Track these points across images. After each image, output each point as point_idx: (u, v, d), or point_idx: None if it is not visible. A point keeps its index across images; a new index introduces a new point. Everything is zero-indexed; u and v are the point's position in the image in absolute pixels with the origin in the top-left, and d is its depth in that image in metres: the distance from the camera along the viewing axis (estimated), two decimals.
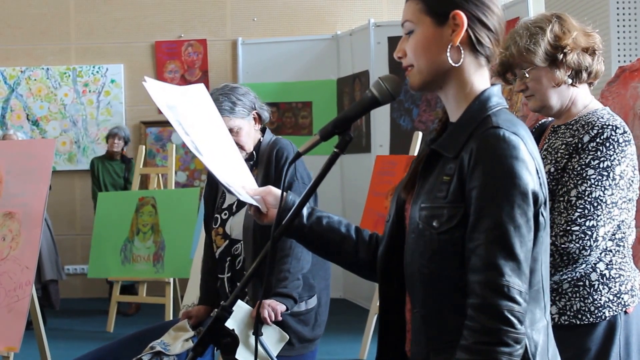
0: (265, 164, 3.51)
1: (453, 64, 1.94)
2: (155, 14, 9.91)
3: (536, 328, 1.90)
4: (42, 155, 5.19)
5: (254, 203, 2.28)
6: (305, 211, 2.20)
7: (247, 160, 3.47)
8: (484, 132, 1.87)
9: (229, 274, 3.53)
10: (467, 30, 1.94)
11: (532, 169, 1.84)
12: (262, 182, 3.37)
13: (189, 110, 2.49)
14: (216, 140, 2.54)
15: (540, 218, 1.88)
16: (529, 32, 2.68)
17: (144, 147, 8.33)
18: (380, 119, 8.41)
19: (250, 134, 3.57)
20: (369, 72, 8.64)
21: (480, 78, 1.98)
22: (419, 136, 6.93)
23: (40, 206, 5.04)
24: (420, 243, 1.91)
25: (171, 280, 7.70)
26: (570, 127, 2.69)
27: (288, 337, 3.36)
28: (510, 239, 1.80)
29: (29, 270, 4.92)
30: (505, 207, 1.80)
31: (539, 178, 1.87)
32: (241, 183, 2.35)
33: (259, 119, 3.62)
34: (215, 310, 3.21)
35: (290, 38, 9.57)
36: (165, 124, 9.57)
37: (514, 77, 2.75)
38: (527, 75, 2.69)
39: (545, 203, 1.89)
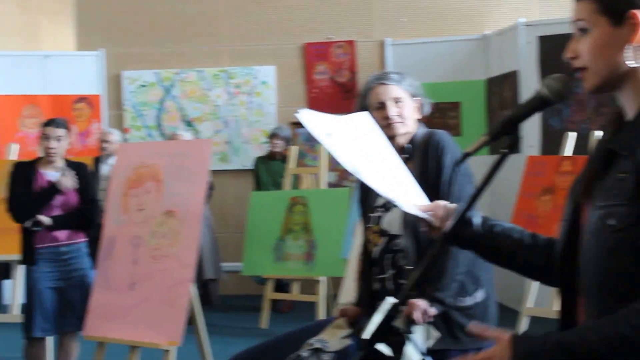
0: (421, 154, 3.50)
1: (631, 64, 1.91)
2: (304, 16, 10.05)
3: None
4: (199, 155, 5.34)
5: (421, 214, 2.31)
6: (477, 219, 2.21)
7: (400, 152, 3.44)
8: None
9: (393, 271, 3.54)
10: None
11: None
12: (419, 171, 3.37)
13: (348, 135, 2.55)
14: (382, 161, 2.59)
15: None
16: None
17: (295, 147, 8.48)
18: (531, 119, 8.26)
19: (411, 115, 3.57)
20: (518, 72, 8.53)
21: None
22: (570, 137, 6.80)
23: (198, 205, 5.20)
24: (596, 242, 1.88)
25: (323, 278, 7.81)
26: None
27: (439, 334, 3.35)
28: None
29: (188, 267, 5.08)
30: None
31: None
32: (408, 199, 2.38)
33: (420, 108, 3.63)
34: (382, 308, 3.20)
35: (439, 38, 9.54)
36: None
37: None
38: None
39: None
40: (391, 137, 3.38)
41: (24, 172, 5.53)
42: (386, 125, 3.44)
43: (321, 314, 7.62)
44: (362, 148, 2.56)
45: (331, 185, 9.01)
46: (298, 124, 9.83)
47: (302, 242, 7.79)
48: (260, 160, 9.18)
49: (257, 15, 10.11)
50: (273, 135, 9.13)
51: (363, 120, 2.71)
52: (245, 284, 9.30)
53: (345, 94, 9.84)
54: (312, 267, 7.69)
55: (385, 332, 2.08)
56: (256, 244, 7.98)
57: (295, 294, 8.38)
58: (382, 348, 2.19)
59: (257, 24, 10.10)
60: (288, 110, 9.89)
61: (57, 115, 7.52)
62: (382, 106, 3.51)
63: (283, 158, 8.82)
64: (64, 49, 13.47)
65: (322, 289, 7.81)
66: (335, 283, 8.01)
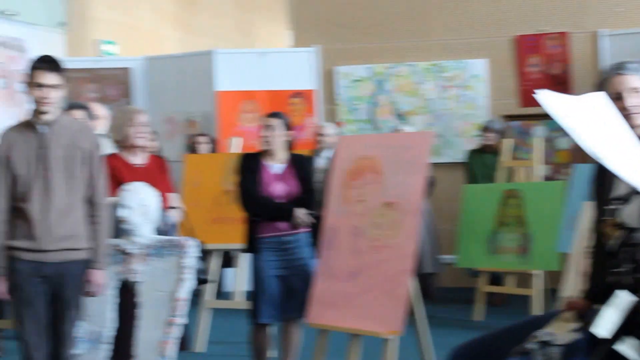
0: None
1: None
2: (515, 8, 9.95)
3: None
4: (420, 147, 5.40)
5: None
6: None
7: None
8: None
9: (632, 265, 3.47)
10: None
11: None
12: None
13: (587, 116, 2.52)
14: (622, 145, 2.54)
15: None
16: None
17: (508, 140, 8.43)
18: None
19: None
20: None
21: None
22: None
23: (418, 196, 5.25)
24: None
25: (539, 272, 7.74)
26: None
27: None
28: None
29: (408, 258, 5.14)
30: None
31: None
32: None
33: None
34: (616, 303, 3.14)
35: None
36: (528, 117, 9.58)
37: None
38: None
39: None
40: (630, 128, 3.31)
41: (249, 163, 5.74)
42: (624, 116, 3.37)
43: (536, 308, 7.54)
44: (601, 130, 2.52)
45: (546, 178, 8.87)
46: (511, 117, 9.74)
47: (517, 235, 7.74)
48: (473, 153, 9.17)
49: (468, 9, 10.08)
50: (486, 129, 9.10)
51: (600, 100, 2.65)
52: (459, 276, 9.31)
53: (558, 87, 9.65)
54: (527, 261, 7.63)
55: (628, 330, 2.05)
56: (470, 237, 8.00)
57: (509, 287, 8.33)
58: (625, 350, 2.16)
59: (468, 18, 10.08)
60: (500, 104, 9.83)
61: (274, 110, 7.76)
62: (619, 97, 3.44)
63: (496, 151, 8.76)
64: (277, 45, 13.87)
65: (538, 283, 7.74)
66: (551, 277, 7.91)
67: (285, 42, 13.51)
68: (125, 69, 10.35)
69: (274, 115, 5.82)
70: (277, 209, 5.65)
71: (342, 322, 5.33)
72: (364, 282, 5.29)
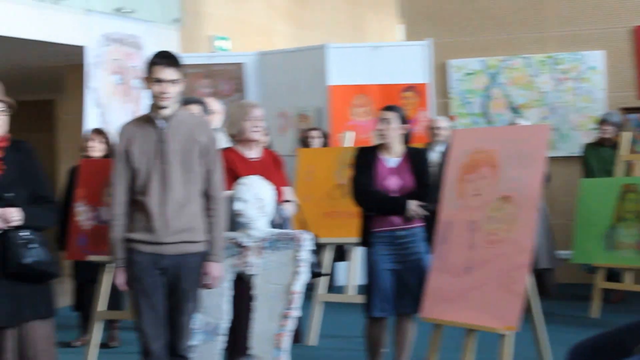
0: None
1: None
2: None
3: None
4: (537, 140, 5.31)
5: None
6: None
7: None
8: None
9: None
10: None
11: None
12: None
13: None
14: None
15: None
16: None
17: (627, 133, 8.22)
18: None
19: None
20: None
21: None
22: None
23: (535, 190, 5.16)
24: None
25: None
26: None
27: None
28: None
29: (525, 253, 5.06)
30: None
31: None
32: None
33: None
34: None
35: None
36: None
37: None
38: None
39: None
40: None
41: (365, 157, 5.74)
42: None
43: None
44: None
45: None
46: (629, 109, 9.51)
47: (635, 231, 7.55)
48: (590, 147, 8.99)
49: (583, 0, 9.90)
50: (603, 122, 8.91)
51: None
52: (575, 272, 9.14)
53: None
54: None
55: None
56: (586, 232, 7.84)
57: (627, 283, 8.13)
58: None
59: (583, 9, 9.88)
60: (618, 96, 9.61)
61: (386, 104, 7.74)
62: None
63: (613, 145, 8.56)
64: (388, 39, 13.85)
65: None
66: None
67: (397, 35, 13.47)
68: (238, 65, 10.46)
69: (390, 108, 5.80)
70: (390, 202, 5.63)
71: (457, 317, 5.28)
72: (480, 276, 5.23)
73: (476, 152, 5.50)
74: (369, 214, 5.71)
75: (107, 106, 9.68)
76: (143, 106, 9.73)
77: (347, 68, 9.91)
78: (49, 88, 13.14)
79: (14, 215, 4.32)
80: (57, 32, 9.26)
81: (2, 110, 4.42)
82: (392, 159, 5.70)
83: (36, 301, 4.44)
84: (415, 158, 5.73)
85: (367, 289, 5.74)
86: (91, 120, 9.26)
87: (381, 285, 5.64)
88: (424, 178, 5.70)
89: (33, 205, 4.45)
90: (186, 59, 4.75)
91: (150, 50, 5.17)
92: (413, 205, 5.59)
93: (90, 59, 9.48)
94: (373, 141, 6.73)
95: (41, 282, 4.46)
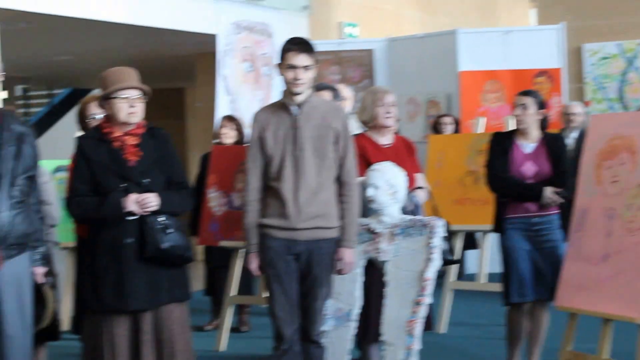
0: None
1: None
2: None
3: None
4: None
5: None
6: None
7: None
8: None
9: None
10: None
11: None
12: None
13: None
14: None
15: None
16: None
17: None
18: None
19: None
20: None
21: None
22: None
23: None
24: None
25: None
26: None
27: None
28: None
29: None
30: None
31: None
32: None
33: None
34: None
35: None
36: None
37: None
38: None
39: None
40: None
41: (501, 142, 5.64)
42: None
43: None
44: None
45: None
46: None
47: None
48: None
49: None
50: None
51: None
52: None
53: None
54: None
55: None
56: None
57: None
58: None
59: None
60: None
61: (517, 90, 7.61)
62: None
63: None
64: (518, 23, 13.62)
65: None
66: None
67: (528, 20, 13.23)
68: (368, 51, 10.44)
69: (527, 93, 5.68)
70: (526, 189, 5.52)
71: (592, 306, 5.14)
72: (617, 265, 5.08)
73: (615, 137, 5.33)
74: (503, 200, 5.62)
75: (238, 94, 9.80)
76: (273, 93, 9.83)
77: (478, 53, 9.79)
78: (180, 76, 13.41)
79: (151, 201, 4.40)
80: (188, 21, 9.43)
81: (139, 98, 4.50)
82: (528, 144, 5.59)
83: (172, 285, 4.51)
84: (552, 144, 5.61)
85: (504, 276, 5.64)
86: (222, 108, 9.39)
87: (519, 269, 5.54)
88: (561, 165, 5.58)
89: (169, 190, 4.53)
90: (315, 46, 4.75)
91: (280, 38, 5.20)
92: (549, 192, 5.48)
93: (221, 46, 9.62)
94: (505, 127, 6.63)
95: (177, 266, 4.54)
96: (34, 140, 4.38)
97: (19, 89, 17.14)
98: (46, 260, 4.58)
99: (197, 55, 11.16)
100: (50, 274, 4.69)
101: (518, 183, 5.54)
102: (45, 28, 9.42)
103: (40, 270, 4.48)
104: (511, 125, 6.38)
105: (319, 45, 4.72)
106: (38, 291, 4.49)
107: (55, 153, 7.61)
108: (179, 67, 12.59)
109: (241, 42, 9.87)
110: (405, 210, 5.20)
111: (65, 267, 7.33)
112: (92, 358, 4.49)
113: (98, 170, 4.46)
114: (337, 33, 11.22)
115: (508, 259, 5.60)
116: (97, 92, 5.25)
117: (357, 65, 10.43)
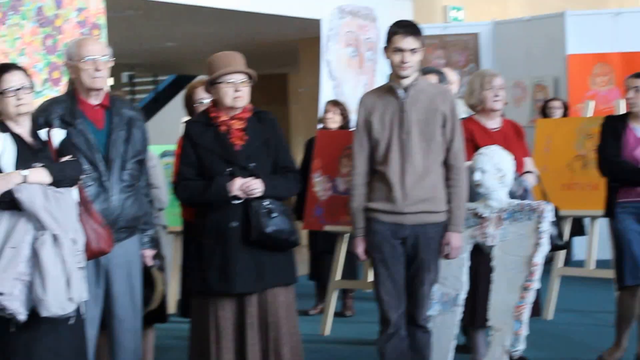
0: None
1: None
2: None
3: None
4: None
5: None
6: None
7: None
8: None
9: None
10: None
11: None
12: None
13: None
14: None
15: None
16: None
17: None
18: None
19: None
20: None
21: None
22: None
23: None
24: None
25: None
26: None
27: None
28: None
29: None
30: None
31: None
32: None
33: None
34: None
35: None
36: None
37: None
38: None
39: None
40: None
41: (613, 126, 5.51)
42: None
43: None
44: None
45: None
46: None
47: None
48: None
49: None
50: None
51: None
52: None
53: None
54: None
55: None
56: None
57: None
58: None
59: None
60: None
61: (628, 73, 7.41)
62: None
63: None
64: (630, 4, 13.25)
65: None
66: None
67: (639, 1, 12.89)
68: (473, 35, 10.32)
69: (637, 74, 5.52)
70: (638, 173, 5.37)
71: None
72: None
73: None
74: (614, 185, 5.48)
75: (341, 79, 9.79)
76: (377, 78, 9.78)
77: (587, 36, 9.58)
78: (283, 62, 13.46)
79: (255, 187, 4.41)
80: (292, 6, 9.45)
81: (244, 82, 4.51)
82: None
83: (278, 268, 4.51)
84: None
85: (616, 260, 5.53)
86: (325, 93, 9.39)
87: (632, 251, 5.42)
88: None
89: (275, 175, 4.53)
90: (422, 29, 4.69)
91: (384, 22, 5.16)
92: None
93: (325, 31, 9.61)
94: (616, 111, 6.46)
95: (282, 250, 4.54)
96: (143, 124, 4.45)
97: (125, 76, 17.46)
98: (155, 243, 4.65)
99: (301, 40, 11.17)
100: (158, 256, 4.76)
101: (631, 168, 5.40)
102: (151, 15, 9.56)
103: (149, 252, 4.56)
104: (622, 109, 6.22)
105: (424, 30, 4.66)
106: (147, 273, 4.57)
107: (161, 139, 7.71)
108: (282, 53, 12.64)
109: (345, 27, 9.85)
110: (514, 195, 5.11)
111: (172, 251, 7.44)
112: (198, 340, 4.53)
113: (204, 155, 4.49)
114: (442, 17, 11.10)
115: (620, 241, 5.47)
116: (203, 77, 5.29)
117: (462, 49, 10.31)
